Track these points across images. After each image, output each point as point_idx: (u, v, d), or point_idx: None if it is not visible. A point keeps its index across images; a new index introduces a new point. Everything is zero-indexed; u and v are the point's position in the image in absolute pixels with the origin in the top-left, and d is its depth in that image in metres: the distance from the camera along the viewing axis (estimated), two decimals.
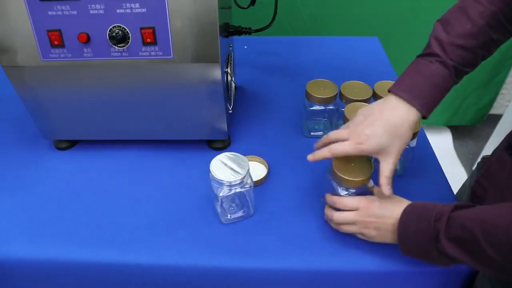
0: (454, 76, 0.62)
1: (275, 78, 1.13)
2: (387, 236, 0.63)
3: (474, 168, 0.83)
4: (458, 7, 0.62)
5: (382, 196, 0.65)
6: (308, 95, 0.88)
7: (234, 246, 0.70)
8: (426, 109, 0.62)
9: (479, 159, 0.86)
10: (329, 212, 0.69)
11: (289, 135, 0.92)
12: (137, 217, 0.75)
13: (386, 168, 0.64)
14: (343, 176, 0.67)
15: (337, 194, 0.69)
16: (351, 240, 0.70)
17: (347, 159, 0.68)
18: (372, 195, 0.67)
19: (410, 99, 0.62)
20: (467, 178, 0.86)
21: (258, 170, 0.83)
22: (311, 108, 0.88)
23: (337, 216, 0.66)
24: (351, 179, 0.67)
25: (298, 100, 0.98)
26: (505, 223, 0.49)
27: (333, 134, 0.69)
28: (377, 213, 0.63)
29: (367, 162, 0.69)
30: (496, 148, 0.73)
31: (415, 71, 0.63)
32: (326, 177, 0.72)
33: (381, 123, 0.63)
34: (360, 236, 0.66)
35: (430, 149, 0.89)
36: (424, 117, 0.64)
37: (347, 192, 0.68)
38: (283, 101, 1.04)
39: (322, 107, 0.88)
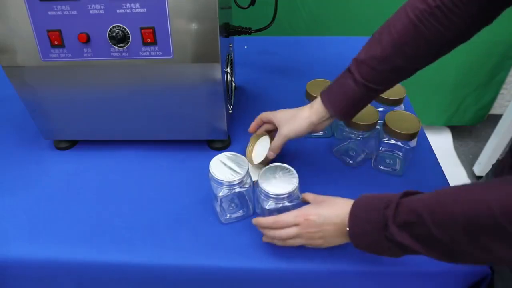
0: (365, 91, 0.66)
1: (275, 78, 1.13)
2: (335, 240, 0.61)
3: (489, 170, 0.83)
4: (378, 32, 0.65)
5: (313, 201, 0.65)
6: (308, 95, 0.87)
7: (233, 246, 0.70)
8: (333, 110, 0.70)
9: (487, 159, 0.86)
10: (269, 232, 0.65)
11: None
12: (137, 216, 0.75)
13: (277, 140, 0.74)
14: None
15: (264, 207, 0.69)
16: None
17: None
18: (306, 204, 0.66)
19: (324, 100, 0.71)
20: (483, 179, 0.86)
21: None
22: None
23: (279, 233, 0.64)
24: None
25: (298, 100, 0.97)
26: (451, 202, 0.48)
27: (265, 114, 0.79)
28: (317, 223, 0.61)
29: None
30: (508, 150, 0.72)
31: (338, 81, 0.70)
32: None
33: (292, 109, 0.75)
34: (308, 246, 0.64)
35: (430, 149, 0.89)
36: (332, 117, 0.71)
37: (276, 205, 0.68)
38: (283, 101, 1.03)
39: None
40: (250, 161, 0.78)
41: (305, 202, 0.67)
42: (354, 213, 0.58)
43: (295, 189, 0.65)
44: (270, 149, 0.76)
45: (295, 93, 1.04)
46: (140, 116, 0.82)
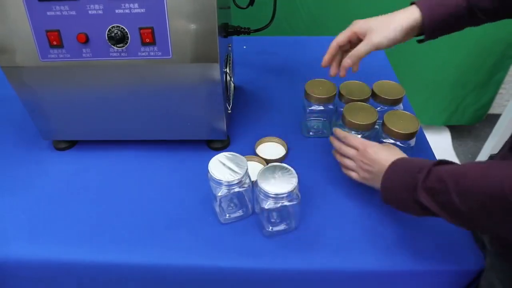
0: (467, 13, 0.65)
1: (274, 78, 1.12)
2: (377, 181, 0.66)
3: None
4: None
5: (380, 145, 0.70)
6: (307, 95, 0.88)
7: (233, 246, 0.70)
8: (428, 18, 0.66)
9: (486, 158, 0.86)
10: (335, 141, 0.76)
11: (288, 135, 0.92)
12: (136, 216, 0.75)
13: (361, 45, 0.70)
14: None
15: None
16: (353, 239, 0.70)
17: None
18: (374, 142, 0.72)
19: (423, 4, 0.67)
20: None
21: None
22: (310, 108, 0.88)
23: (344, 148, 0.73)
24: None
25: (297, 100, 0.98)
26: (474, 176, 0.52)
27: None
28: (371, 157, 0.67)
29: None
30: (502, 148, 0.73)
31: None
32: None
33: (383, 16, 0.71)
34: (354, 176, 0.72)
35: (429, 149, 0.89)
36: (421, 34, 0.69)
37: (275, 204, 0.69)
38: (282, 101, 1.04)
39: (321, 107, 0.88)
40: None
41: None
42: (391, 169, 0.63)
43: (294, 188, 0.66)
44: (349, 56, 0.71)
45: (294, 93, 1.04)
46: (139, 116, 0.82)
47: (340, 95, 0.89)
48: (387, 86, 0.88)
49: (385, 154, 0.66)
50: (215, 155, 0.72)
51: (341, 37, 0.73)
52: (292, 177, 0.67)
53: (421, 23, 0.68)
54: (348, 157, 0.73)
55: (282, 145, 0.90)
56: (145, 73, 0.75)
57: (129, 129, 0.86)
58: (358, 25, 0.71)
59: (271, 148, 0.89)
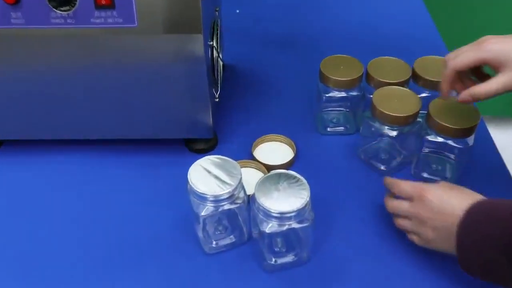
0: None
1: (277, 55, 1.12)
2: (446, 240, 0.63)
3: None
4: None
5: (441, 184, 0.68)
6: (323, 77, 0.87)
7: (221, 284, 0.70)
8: None
9: None
10: (388, 200, 0.73)
11: (297, 131, 0.91)
12: (88, 248, 0.75)
13: (494, 83, 0.67)
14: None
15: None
16: (387, 276, 0.70)
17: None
18: (436, 182, 0.70)
19: None
20: None
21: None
22: (327, 95, 0.88)
23: (390, 204, 0.72)
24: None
25: (309, 84, 0.97)
26: None
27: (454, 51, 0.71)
28: (433, 207, 0.65)
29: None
30: None
31: None
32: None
33: None
34: (415, 239, 0.69)
35: (494, 151, 0.89)
36: None
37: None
38: (288, 86, 1.04)
39: (343, 93, 0.88)
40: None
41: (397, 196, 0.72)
42: (469, 219, 0.61)
43: (305, 205, 0.65)
44: (471, 94, 0.69)
45: (305, 74, 1.04)
46: (92, 107, 0.81)
47: (368, 76, 0.88)
48: (434, 64, 0.87)
49: (453, 198, 0.64)
50: (196, 159, 0.72)
51: (464, 62, 0.68)
52: (302, 189, 0.67)
53: None
54: (401, 215, 0.70)
55: (289, 145, 0.89)
56: (100, 47, 0.74)
57: (76, 125, 0.85)
58: (493, 52, 0.66)
59: (274, 150, 0.89)
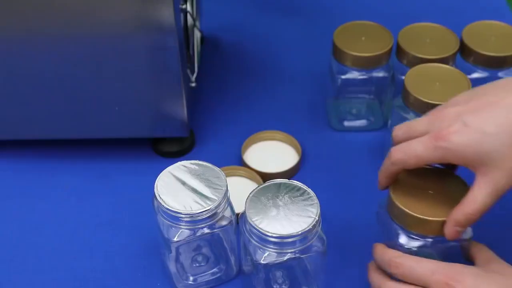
0: None
1: (276, 22, 1.13)
2: None
3: None
4: None
5: (486, 264, 0.65)
6: (337, 53, 0.88)
7: None
8: None
9: None
10: (377, 279, 0.69)
11: (302, 128, 0.93)
12: (23, 283, 0.76)
13: (478, 195, 0.63)
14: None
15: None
16: None
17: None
18: (465, 262, 0.67)
19: None
20: None
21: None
22: (343, 77, 0.89)
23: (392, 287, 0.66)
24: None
25: (319, 62, 0.99)
26: None
27: (402, 129, 0.69)
28: None
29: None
30: None
31: None
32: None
33: (499, 112, 0.62)
34: None
35: None
36: None
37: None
38: (291, 66, 1.05)
39: (365, 75, 0.89)
40: None
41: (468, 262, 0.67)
42: None
43: (314, 226, 0.66)
44: (454, 220, 0.65)
45: (312, 49, 1.06)
46: (27, 96, 0.83)
47: (400, 50, 0.89)
48: (492, 33, 0.88)
49: (497, 284, 0.61)
50: (167, 166, 0.73)
51: (414, 163, 0.66)
52: (309, 205, 0.67)
53: None
54: None
55: (292, 146, 0.91)
56: (35, 14, 0.75)
57: (6, 121, 0.87)
58: (459, 150, 0.62)
59: (272, 153, 0.90)
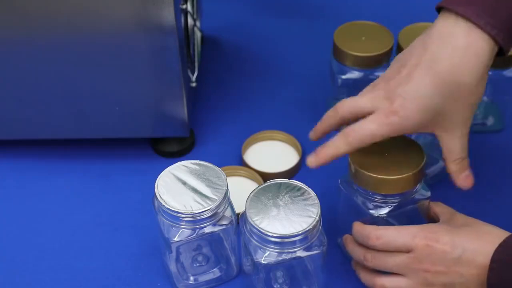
0: None
1: (276, 22, 1.13)
2: None
3: None
4: None
5: (446, 217, 0.70)
6: (338, 53, 0.88)
7: None
8: (507, 34, 0.64)
9: None
10: (358, 251, 0.72)
11: (302, 128, 0.91)
12: (23, 283, 0.76)
13: (454, 146, 0.69)
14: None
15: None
16: None
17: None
18: (433, 221, 0.71)
19: (475, 15, 0.64)
20: None
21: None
22: (344, 77, 0.89)
23: (375, 261, 0.70)
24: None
25: (319, 62, 0.99)
26: None
27: (347, 104, 0.72)
28: (446, 257, 0.65)
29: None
30: None
31: None
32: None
33: (426, 71, 0.66)
34: None
35: None
36: (501, 52, 0.67)
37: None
38: (291, 66, 1.05)
39: (364, 74, 0.89)
40: None
41: (431, 220, 0.73)
42: (500, 268, 0.62)
43: (314, 226, 0.66)
44: (458, 171, 0.71)
45: (313, 49, 1.06)
46: (24, 95, 0.83)
47: (400, 50, 0.88)
48: None
49: (472, 241, 0.65)
50: (168, 166, 0.73)
51: (376, 137, 0.70)
52: (310, 205, 0.68)
53: (495, 50, 0.67)
54: (391, 271, 0.69)
55: (292, 146, 0.91)
56: (33, 9, 0.75)
57: (10, 121, 0.87)
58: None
59: (272, 153, 0.91)
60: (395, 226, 0.70)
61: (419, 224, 0.68)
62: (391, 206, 0.72)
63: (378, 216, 0.72)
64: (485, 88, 0.67)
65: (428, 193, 0.74)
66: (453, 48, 0.64)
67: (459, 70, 0.64)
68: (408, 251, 0.67)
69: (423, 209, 0.74)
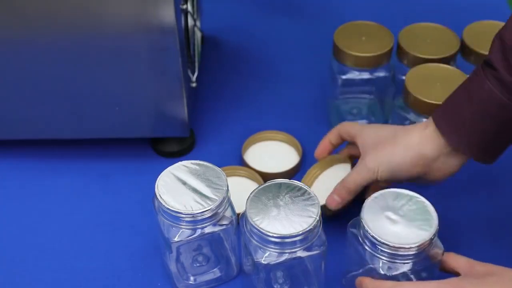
0: None
1: (276, 22, 1.13)
2: None
3: None
4: None
5: (467, 269, 0.68)
6: (338, 53, 0.88)
7: None
8: (462, 143, 0.71)
9: None
10: None
11: (303, 128, 0.93)
12: (23, 283, 0.77)
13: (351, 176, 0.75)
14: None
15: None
16: None
17: None
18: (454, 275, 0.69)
19: (440, 121, 0.72)
20: None
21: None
22: (344, 77, 0.89)
23: None
24: None
25: (319, 62, 0.99)
26: None
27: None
28: None
29: None
30: None
31: (464, 88, 0.72)
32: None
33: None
34: None
35: None
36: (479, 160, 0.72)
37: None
38: (291, 66, 1.05)
39: (366, 75, 0.89)
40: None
41: (448, 272, 0.70)
42: None
43: (314, 226, 0.66)
44: (334, 190, 0.78)
45: (314, 49, 1.06)
46: (23, 94, 0.83)
47: (400, 50, 0.90)
48: (491, 32, 0.85)
49: None
50: (168, 166, 0.73)
51: (324, 142, 0.84)
52: (310, 205, 0.68)
53: (453, 147, 0.73)
54: None
55: (293, 146, 0.91)
56: (33, 10, 0.75)
57: (4, 121, 0.87)
58: (344, 127, 0.82)
59: (272, 153, 0.91)
60: (414, 282, 0.69)
61: (439, 280, 0.67)
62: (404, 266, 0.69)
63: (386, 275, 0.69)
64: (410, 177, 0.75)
65: (442, 248, 0.70)
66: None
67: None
68: None
69: (436, 262, 0.71)
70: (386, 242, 0.64)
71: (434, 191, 0.81)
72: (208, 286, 0.76)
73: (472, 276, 0.67)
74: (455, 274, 0.68)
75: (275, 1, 1.18)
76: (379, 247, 0.66)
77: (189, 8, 0.85)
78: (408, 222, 0.66)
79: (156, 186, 0.70)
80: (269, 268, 0.71)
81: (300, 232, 0.65)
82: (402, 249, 0.65)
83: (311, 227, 0.65)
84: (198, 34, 0.95)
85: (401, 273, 0.68)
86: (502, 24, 0.80)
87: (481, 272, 0.67)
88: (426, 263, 0.68)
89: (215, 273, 0.76)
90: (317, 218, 0.66)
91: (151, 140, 0.92)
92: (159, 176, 0.71)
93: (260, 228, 0.65)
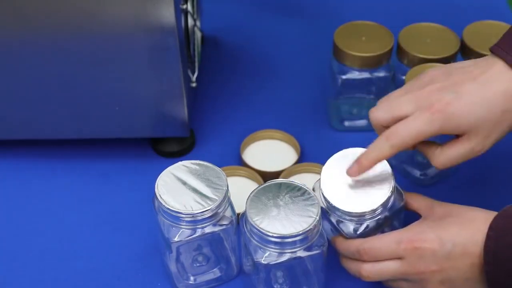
0: None
1: (276, 22, 1.13)
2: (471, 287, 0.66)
3: None
4: None
5: (427, 211, 0.70)
6: (338, 53, 0.89)
7: None
8: None
9: None
10: (352, 265, 0.72)
11: (302, 128, 0.93)
12: (23, 283, 0.77)
13: (460, 149, 0.67)
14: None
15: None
16: None
17: None
18: (415, 221, 0.71)
19: None
20: None
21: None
22: (344, 77, 0.89)
23: (369, 270, 0.70)
24: None
25: (319, 62, 0.99)
26: None
27: (385, 107, 0.71)
28: (437, 255, 0.65)
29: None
30: None
31: None
32: (241, 231, 0.72)
33: (479, 86, 0.66)
34: None
35: None
36: None
37: (279, 256, 0.68)
38: (291, 65, 1.05)
39: (366, 74, 0.89)
40: None
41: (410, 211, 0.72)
42: (498, 234, 0.62)
43: (314, 225, 0.66)
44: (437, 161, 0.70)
45: (313, 49, 1.05)
46: (23, 94, 0.83)
47: (400, 50, 0.90)
48: (492, 33, 0.87)
49: (458, 234, 0.65)
50: (168, 166, 0.73)
51: (421, 136, 0.68)
52: (310, 204, 0.68)
53: None
54: (391, 279, 0.71)
55: (292, 145, 0.91)
56: (33, 9, 0.75)
57: (3, 122, 0.87)
58: (458, 120, 0.67)
59: (271, 152, 0.91)
60: (378, 236, 0.70)
61: (400, 229, 0.70)
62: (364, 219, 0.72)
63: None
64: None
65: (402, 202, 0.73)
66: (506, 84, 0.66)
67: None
68: (398, 258, 0.67)
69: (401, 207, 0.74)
70: (349, 210, 0.69)
71: (434, 191, 0.81)
72: (208, 286, 0.76)
73: (430, 219, 0.70)
74: (418, 214, 0.72)
75: (275, 1, 1.18)
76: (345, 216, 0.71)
77: (189, 8, 0.85)
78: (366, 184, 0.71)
79: (156, 186, 0.70)
80: (269, 268, 0.71)
81: (300, 232, 0.65)
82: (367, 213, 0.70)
83: (311, 227, 0.65)
84: (198, 34, 0.95)
85: (366, 230, 0.71)
86: (502, 24, 0.80)
87: (440, 213, 0.69)
88: (391, 213, 0.72)
89: (215, 273, 0.76)
90: (317, 218, 0.66)
91: (151, 140, 0.92)
92: (159, 176, 0.71)
93: (260, 228, 0.66)
